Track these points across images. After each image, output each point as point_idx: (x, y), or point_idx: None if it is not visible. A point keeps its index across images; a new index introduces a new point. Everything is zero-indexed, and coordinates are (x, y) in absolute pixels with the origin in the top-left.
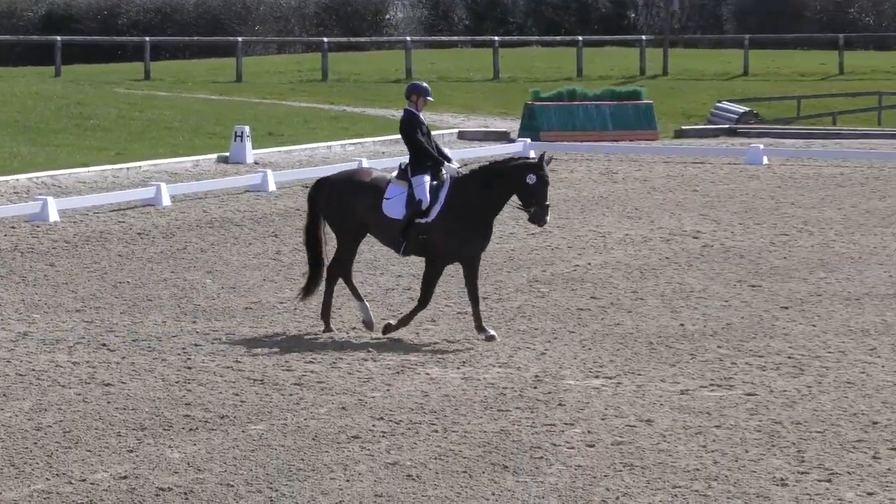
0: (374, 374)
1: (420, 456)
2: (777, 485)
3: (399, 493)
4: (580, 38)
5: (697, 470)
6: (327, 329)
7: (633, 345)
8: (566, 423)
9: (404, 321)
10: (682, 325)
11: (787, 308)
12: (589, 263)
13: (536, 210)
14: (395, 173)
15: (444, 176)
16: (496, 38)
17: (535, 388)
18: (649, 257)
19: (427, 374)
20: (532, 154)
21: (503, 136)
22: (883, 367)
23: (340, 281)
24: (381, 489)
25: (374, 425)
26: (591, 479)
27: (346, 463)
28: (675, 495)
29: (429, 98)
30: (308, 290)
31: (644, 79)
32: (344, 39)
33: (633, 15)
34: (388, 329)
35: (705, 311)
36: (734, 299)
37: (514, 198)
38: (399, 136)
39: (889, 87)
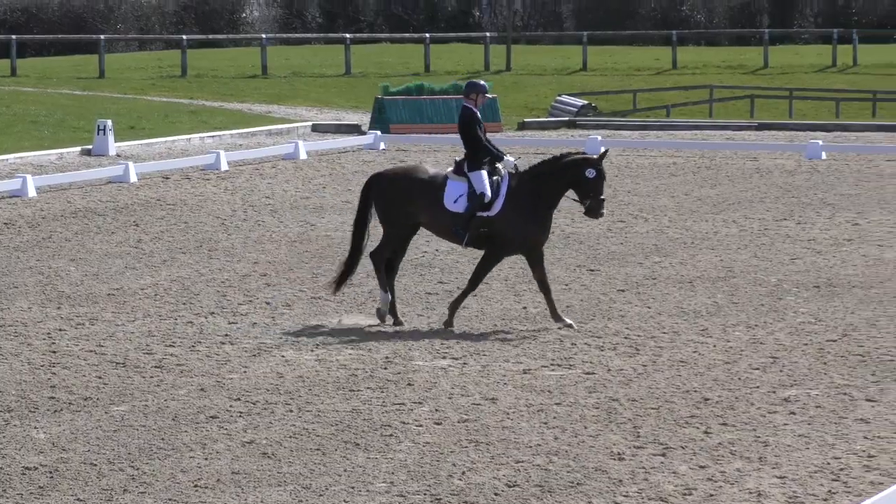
0: (231, 357)
1: (275, 435)
2: (614, 459)
3: (255, 470)
4: (427, 35)
5: (539, 445)
6: (397, 322)
7: (479, 327)
8: (415, 402)
9: (455, 306)
10: (524, 307)
11: (623, 291)
12: (437, 250)
13: (593, 203)
14: (449, 169)
15: (503, 171)
16: (348, 35)
17: (386, 368)
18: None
19: (282, 356)
20: (383, 145)
21: (355, 129)
22: (714, 346)
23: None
24: (237, 467)
25: (231, 406)
26: (439, 455)
27: (205, 442)
28: (518, 470)
29: (487, 95)
30: (340, 282)
31: (489, 74)
32: (202, 37)
33: (477, 13)
34: (448, 323)
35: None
36: (574, 283)
37: (570, 192)
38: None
39: (720, 80)
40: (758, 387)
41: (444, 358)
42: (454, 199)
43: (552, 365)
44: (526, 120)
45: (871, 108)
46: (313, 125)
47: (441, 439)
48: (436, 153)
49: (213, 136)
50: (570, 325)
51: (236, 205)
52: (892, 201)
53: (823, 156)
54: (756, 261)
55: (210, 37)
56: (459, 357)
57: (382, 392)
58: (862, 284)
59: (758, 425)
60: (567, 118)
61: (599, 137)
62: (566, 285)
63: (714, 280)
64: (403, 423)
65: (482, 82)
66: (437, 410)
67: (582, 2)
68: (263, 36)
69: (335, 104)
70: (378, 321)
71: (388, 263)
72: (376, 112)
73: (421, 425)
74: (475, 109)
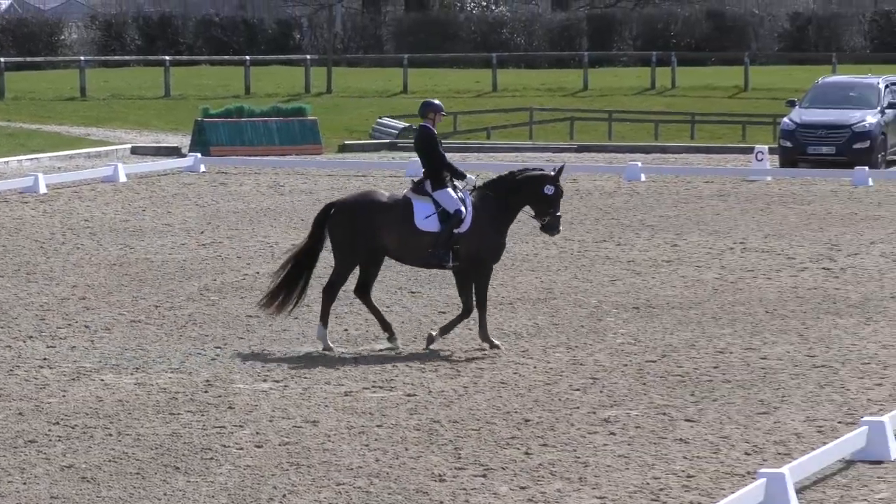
0: (50, 381)
1: (95, 459)
2: (435, 480)
3: (74, 494)
4: (248, 57)
5: (360, 468)
6: (392, 338)
7: (300, 349)
8: (235, 425)
9: (447, 329)
10: (346, 330)
11: (444, 313)
12: (257, 272)
13: (551, 220)
14: (405, 191)
15: (463, 188)
16: (167, 57)
17: (206, 392)
18: (315, 266)
19: (101, 380)
20: (203, 168)
21: (175, 152)
22: (534, 367)
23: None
24: (56, 491)
25: (50, 430)
26: (260, 478)
27: (23, 466)
28: (339, 492)
29: (442, 114)
30: (280, 309)
31: (309, 96)
32: (20, 59)
33: (298, 36)
34: (431, 339)
35: (368, 316)
36: (395, 305)
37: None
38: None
39: (539, 102)
40: (578, 407)
41: (265, 381)
42: (424, 219)
43: (373, 387)
44: (347, 142)
45: (690, 129)
46: (132, 147)
47: (262, 462)
48: (256, 175)
49: (31, 159)
50: (497, 346)
51: (55, 228)
52: (710, 223)
53: (643, 177)
54: (576, 282)
55: (28, 59)
56: (280, 380)
57: (203, 415)
58: (681, 305)
59: (578, 446)
60: (388, 140)
61: None
62: (387, 307)
63: (534, 301)
64: (224, 446)
65: (437, 101)
66: (257, 433)
67: (402, 24)
68: (82, 58)
69: (154, 126)
70: (325, 349)
71: (295, 274)
72: (196, 134)
73: (241, 448)
74: (433, 128)
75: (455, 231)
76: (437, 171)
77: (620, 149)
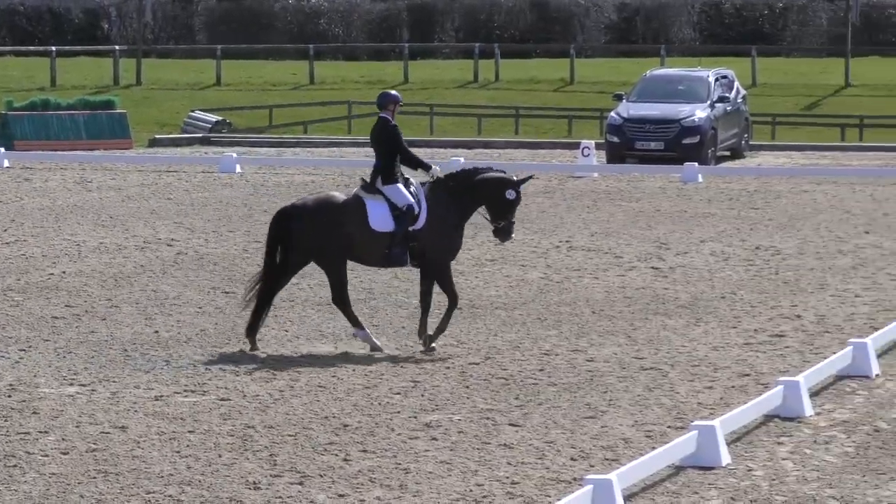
0: None
1: None
2: (250, 488)
3: None
4: (54, 48)
5: (171, 475)
6: (376, 349)
7: (108, 352)
8: (40, 431)
9: (442, 328)
10: (156, 331)
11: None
12: (63, 272)
13: (506, 225)
14: (356, 189)
15: (415, 182)
16: None
17: (10, 396)
18: (124, 265)
19: None
20: (7, 163)
21: None
22: (353, 370)
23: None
24: None
25: None
26: (66, 486)
27: None
28: (149, 500)
29: (400, 105)
30: (254, 329)
31: (118, 88)
32: None
33: (106, 25)
34: (429, 341)
35: (179, 317)
36: (208, 306)
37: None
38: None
39: (358, 96)
40: (399, 412)
41: (71, 385)
42: (378, 219)
43: (185, 391)
44: (157, 136)
45: (514, 124)
46: None
47: (68, 470)
48: (63, 171)
49: None
50: (432, 349)
51: None
52: (535, 220)
53: None
54: (397, 282)
55: None
56: (88, 384)
57: (6, 421)
58: (505, 306)
59: (399, 451)
60: (201, 134)
61: (235, 154)
62: (200, 308)
63: (354, 302)
64: (28, 453)
65: (394, 92)
66: (63, 440)
67: (215, 14)
68: None
69: None
70: (378, 350)
71: (267, 293)
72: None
73: (47, 455)
74: (393, 120)
75: (410, 229)
76: (390, 167)
77: (442, 144)
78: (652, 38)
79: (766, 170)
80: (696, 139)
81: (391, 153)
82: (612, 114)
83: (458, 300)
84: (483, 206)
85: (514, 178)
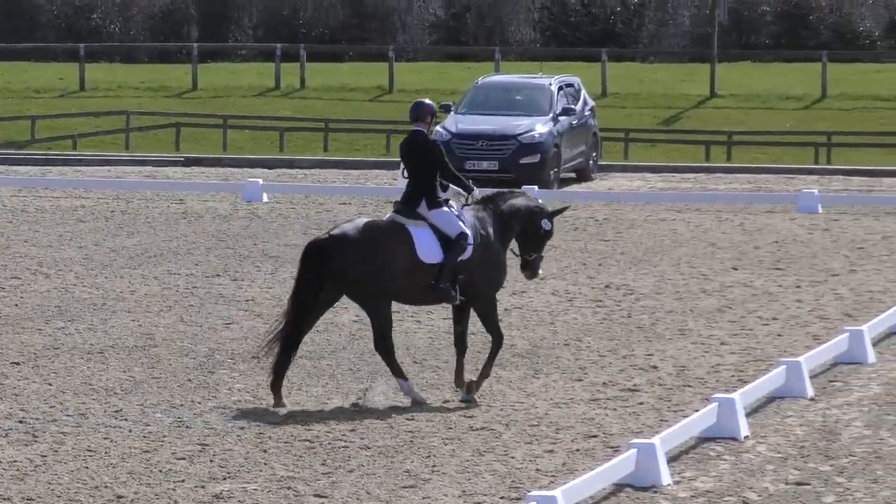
0: None
1: None
2: None
3: None
4: None
5: None
6: (419, 402)
7: None
8: None
9: (486, 373)
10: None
11: (18, 364)
12: None
13: (536, 258)
14: (390, 215)
15: (456, 205)
16: None
17: None
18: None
19: None
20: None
21: None
22: (130, 431)
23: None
24: None
25: None
26: None
27: None
28: None
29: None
30: (279, 382)
31: None
32: None
33: None
34: (473, 388)
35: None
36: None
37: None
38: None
39: (138, 105)
40: (183, 480)
41: None
42: (426, 249)
43: None
44: None
45: (323, 139)
46: None
47: None
48: None
49: None
50: (473, 400)
51: None
52: None
53: (265, 198)
54: (183, 326)
55: None
56: None
57: None
58: (310, 354)
59: None
60: None
61: None
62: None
63: (130, 350)
64: None
65: (430, 101)
66: None
67: None
68: None
69: None
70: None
71: (294, 339)
72: None
73: None
74: (428, 134)
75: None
76: (433, 188)
77: (238, 162)
78: (485, 38)
79: (619, 195)
80: (537, 158)
81: (431, 172)
82: (438, 128)
83: (502, 340)
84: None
85: (550, 209)
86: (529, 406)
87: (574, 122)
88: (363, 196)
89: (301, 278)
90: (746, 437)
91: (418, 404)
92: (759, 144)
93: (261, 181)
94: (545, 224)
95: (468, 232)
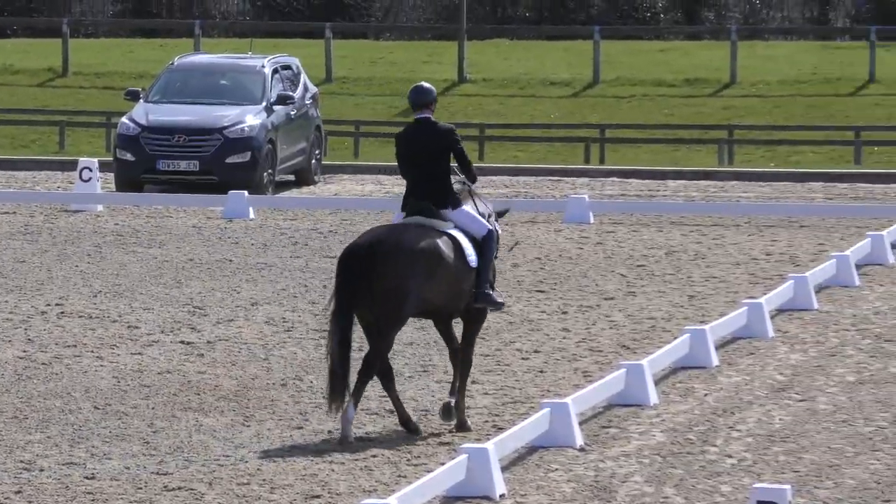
0: None
1: None
2: None
3: None
4: None
5: None
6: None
7: None
8: None
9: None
10: None
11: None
12: None
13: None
14: (399, 218)
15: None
16: None
17: None
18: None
19: None
20: None
21: None
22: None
23: None
24: None
25: None
26: None
27: None
28: None
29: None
30: (340, 392)
31: None
32: None
33: None
34: (450, 412)
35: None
36: None
37: None
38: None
39: None
40: None
41: None
42: (470, 252)
43: None
44: None
45: None
46: None
47: None
48: None
49: None
50: (469, 428)
51: None
52: (10, 274)
53: None
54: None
55: None
56: None
57: None
58: None
59: None
60: None
61: None
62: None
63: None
64: None
65: (429, 84)
66: None
67: None
68: None
69: None
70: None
71: (345, 354)
72: None
73: None
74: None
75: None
76: (449, 184)
77: None
78: (182, 10)
79: (347, 201)
80: (246, 157)
81: (444, 165)
82: (125, 120)
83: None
84: None
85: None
86: (237, 460)
87: (292, 113)
88: (29, 203)
89: (341, 290)
90: (502, 496)
91: (345, 440)
92: (518, 140)
93: None
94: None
95: (497, 228)
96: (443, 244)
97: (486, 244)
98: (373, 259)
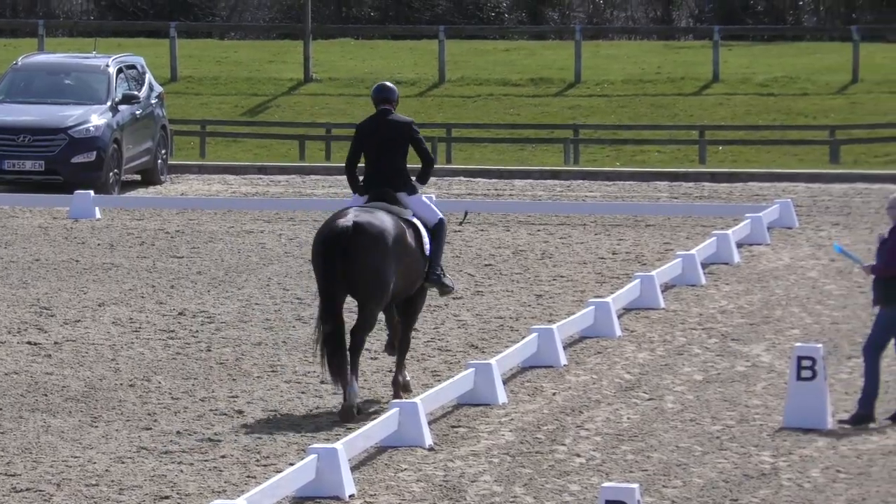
0: None
1: None
2: None
3: None
4: None
5: None
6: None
7: None
8: None
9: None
10: None
11: None
12: None
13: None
14: (358, 206)
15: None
16: None
17: None
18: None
19: None
20: None
21: None
22: None
23: None
24: None
25: None
26: None
27: None
28: None
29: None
30: (344, 375)
31: None
32: None
33: None
34: (401, 385)
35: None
36: None
37: None
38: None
39: None
40: None
41: None
42: (428, 240)
43: None
44: None
45: None
46: None
47: None
48: None
49: None
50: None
51: None
52: None
53: None
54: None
55: None
56: None
57: None
58: None
59: None
60: None
61: None
62: None
63: None
64: None
65: (390, 84)
66: None
67: None
68: None
69: None
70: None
71: (335, 337)
72: None
73: None
74: None
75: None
76: (404, 171)
77: None
78: (25, 9)
79: (194, 201)
80: (92, 156)
81: (401, 154)
82: None
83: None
84: None
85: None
86: (86, 461)
87: (138, 113)
88: None
89: (323, 273)
90: (352, 497)
91: (349, 409)
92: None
93: None
94: None
95: (443, 217)
96: (409, 231)
97: (438, 231)
98: (357, 239)
